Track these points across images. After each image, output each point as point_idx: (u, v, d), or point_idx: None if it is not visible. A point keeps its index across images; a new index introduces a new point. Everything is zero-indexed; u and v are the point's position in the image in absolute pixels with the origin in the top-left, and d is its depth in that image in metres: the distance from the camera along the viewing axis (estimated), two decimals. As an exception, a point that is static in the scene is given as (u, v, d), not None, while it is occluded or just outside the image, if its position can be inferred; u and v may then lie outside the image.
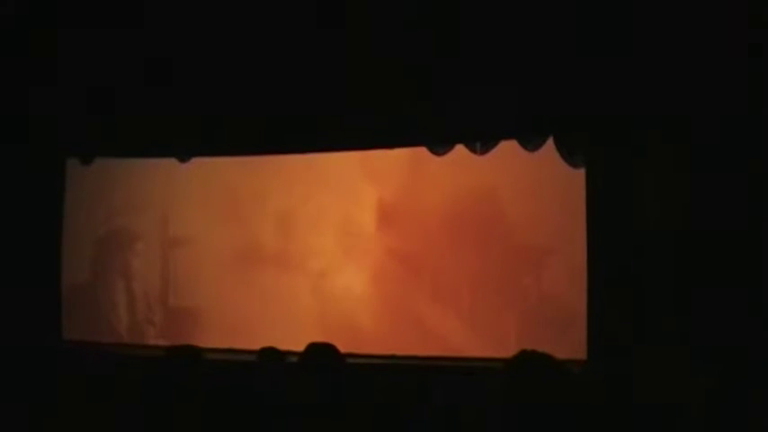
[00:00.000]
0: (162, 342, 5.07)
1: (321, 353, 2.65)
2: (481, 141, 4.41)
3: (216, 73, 4.47)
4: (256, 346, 4.67)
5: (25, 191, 4.89)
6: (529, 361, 1.92)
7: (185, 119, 4.66)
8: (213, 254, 5.15)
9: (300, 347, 2.72)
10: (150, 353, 4.63)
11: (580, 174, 4.18)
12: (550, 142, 4.26)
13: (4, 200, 4.85)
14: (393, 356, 4.57)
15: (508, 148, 4.37)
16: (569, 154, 4.19)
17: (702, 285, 3.62)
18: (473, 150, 4.45)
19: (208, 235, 5.18)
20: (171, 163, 5.13)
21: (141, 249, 5.32)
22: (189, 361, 2.76)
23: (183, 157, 5.07)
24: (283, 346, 3.50)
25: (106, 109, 4.70)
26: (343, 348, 2.69)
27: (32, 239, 4.90)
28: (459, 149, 4.48)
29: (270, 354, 3.46)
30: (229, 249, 5.13)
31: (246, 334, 4.87)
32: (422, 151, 4.59)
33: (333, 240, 4.95)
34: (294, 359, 4.00)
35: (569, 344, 3.98)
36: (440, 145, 4.50)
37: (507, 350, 2.02)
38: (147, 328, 5.27)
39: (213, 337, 4.94)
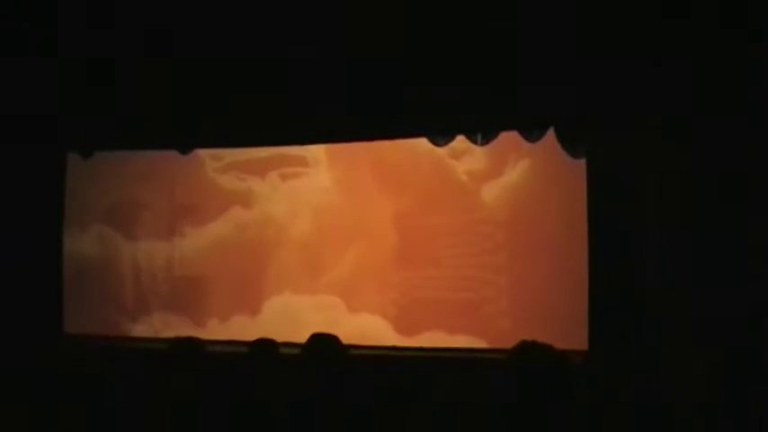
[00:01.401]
0: (167, 314, 5.16)
1: (323, 344, 2.66)
2: (482, 133, 4.41)
3: (216, 66, 4.48)
4: (260, 324, 4.77)
5: (26, 186, 4.89)
6: (529, 351, 1.93)
7: (186, 111, 4.66)
8: (222, 227, 5.21)
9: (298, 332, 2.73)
10: (153, 346, 4.64)
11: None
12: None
13: (6, 195, 4.86)
14: (394, 348, 4.59)
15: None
16: (570, 145, 4.17)
17: (703, 283, 3.63)
18: (474, 142, 4.44)
19: (217, 211, 5.24)
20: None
21: (148, 219, 5.33)
22: (191, 354, 2.79)
23: (184, 149, 5.08)
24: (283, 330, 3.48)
25: (106, 102, 4.72)
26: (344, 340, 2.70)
27: (33, 234, 4.91)
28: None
29: (263, 345, 3.42)
30: (239, 227, 5.19)
31: (253, 308, 4.98)
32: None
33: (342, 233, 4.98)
34: (290, 351, 4.01)
35: (571, 334, 3.99)
36: (440, 136, 4.49)
37: (509, 342, 2.03)
38: (152, 298, 5.28)
39: (220, 310, 5.06)
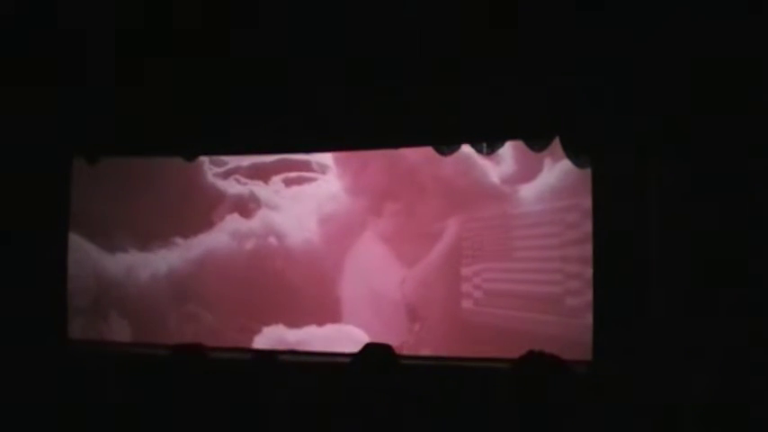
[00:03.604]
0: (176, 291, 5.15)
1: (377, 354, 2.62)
2: (487, 141, 4.39)
3: (218, 71, 4.47)
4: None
5: (30, 190, 4.87)
6: (535, 362, 1.95)
7: (190, 118, 4.63)
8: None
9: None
10: (156, 352, 4.63)
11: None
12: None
13: (8, 199, 4.84)
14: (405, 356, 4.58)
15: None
16: (575, 154, 4.16)
17: (705, 285, 3.64)
18: (479, 151, 4.44)
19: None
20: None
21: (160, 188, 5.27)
22: (194, 360, 2.79)
23: (189, 156, 5.06)
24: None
25: (109, 109, 4.70)
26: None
27: (38, 239, 4.88)
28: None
29: (264, 355, 3.40)
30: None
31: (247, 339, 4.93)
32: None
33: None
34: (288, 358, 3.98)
35: (576, 345, 3.98)
36: (445, 145, 4.48)
37: (515, 351, 2.04)
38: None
39: (225, 292, 5.03)
